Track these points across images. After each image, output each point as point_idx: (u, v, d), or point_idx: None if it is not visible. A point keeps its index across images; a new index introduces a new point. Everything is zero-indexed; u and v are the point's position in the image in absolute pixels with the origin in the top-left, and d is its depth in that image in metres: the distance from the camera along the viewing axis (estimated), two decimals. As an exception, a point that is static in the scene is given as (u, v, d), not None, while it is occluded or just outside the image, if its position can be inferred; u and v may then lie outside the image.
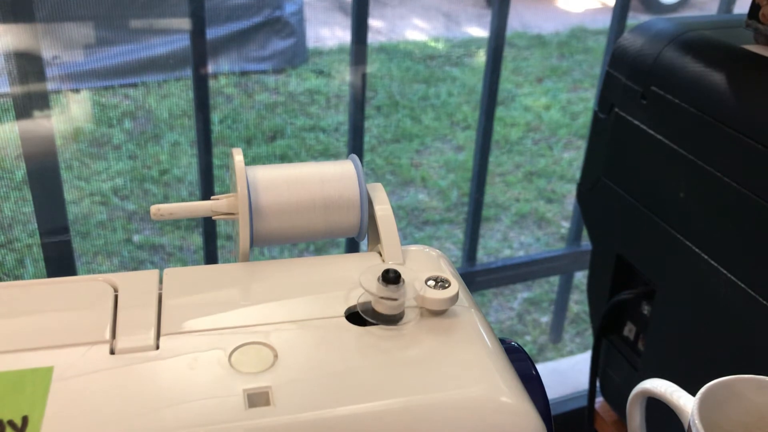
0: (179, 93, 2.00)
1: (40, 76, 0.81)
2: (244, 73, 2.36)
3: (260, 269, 0.44)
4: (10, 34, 0.78)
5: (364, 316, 0.40)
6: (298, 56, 2.56)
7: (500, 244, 2.10)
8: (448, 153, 2.50)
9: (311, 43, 2.79)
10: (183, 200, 0.61)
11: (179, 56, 1.73)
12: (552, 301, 1.83)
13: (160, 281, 0.42)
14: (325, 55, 2.82)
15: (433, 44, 3.23)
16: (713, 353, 0.66)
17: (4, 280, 0.85)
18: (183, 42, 1.23)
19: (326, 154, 2.31)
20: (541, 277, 1.68)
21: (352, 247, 1.16)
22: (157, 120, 2.12)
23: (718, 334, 0.65)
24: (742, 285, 0.60)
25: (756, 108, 0.59)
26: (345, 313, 0.40)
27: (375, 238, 0.46)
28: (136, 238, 1.87)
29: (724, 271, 0.62)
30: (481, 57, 3.07)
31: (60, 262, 0.90)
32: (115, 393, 0.34)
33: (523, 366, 0.41)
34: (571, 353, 1.72)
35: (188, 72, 0.96)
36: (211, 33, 1.48)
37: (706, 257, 0.64)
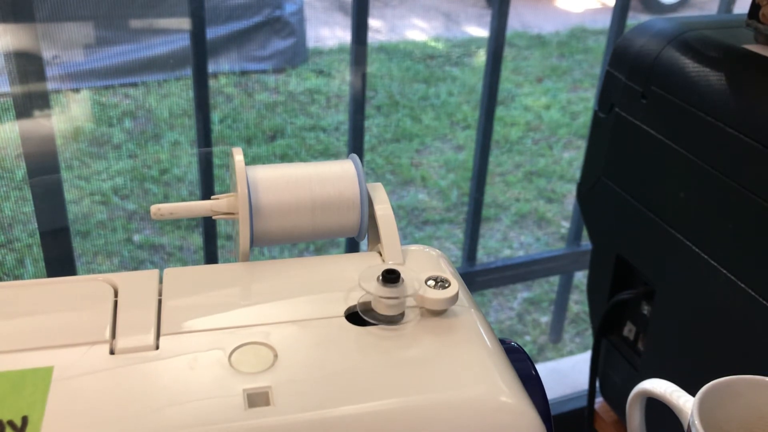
0: (179, 93, 2.00)
1: (40, 76, 0.81)
2: (244, 73, 2.36)
3: (260, 269, 0.44)
4: (10, 34, 0.78)
5: (364, 317, 0.40)
6: (298, 56, 2.56)
7: (500, 244, 2.10)
8: (448, 153, 2.50)
9: (311, 42, 2.78)
10: (183, 200, 0.61)
11: (179, 56, 1.73)
12: (552, 301, 1.83)
13: (160, 281, 0.42)
14: (325, 55, 2.82)
15: (433, 44, 3.23)
16: (713, 353, 0.66)
17: (4, 280, 0.85)
18: (183, 42, 1.23)
19: (326, 153, 2.31)
20: (541, 277, 1.68)
21: (352, 247, 1.16)
22: (157, 119, 2.12)
23: (718, 334, 0.65)
24: (742, 285, 0.60)
25: (756, 108, 0.59)
26: (345, 313, 0.40)
27: (375, 238, 0.46)
28: (136, 237, 1.87)
29: (724, 271, 0.62)
30: (481, 57, 3.07)
31: (60, 262, 0.90)
32: (115, 393, 0.34)
33: (523, 366, 0.41)
34: (571, 353, 1.72)
35: (188, 72, 0.96)
36: (211, 33, 1.48)
37: (706, 257, 0.64)
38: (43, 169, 0.85)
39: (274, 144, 2.30)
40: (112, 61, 1.90)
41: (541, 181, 2.40)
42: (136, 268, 1.69)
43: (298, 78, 2.58)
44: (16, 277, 1.29)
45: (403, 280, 0.39)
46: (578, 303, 1.86)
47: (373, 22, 3.22)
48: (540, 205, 2.28)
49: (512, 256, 2.05)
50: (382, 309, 0.39)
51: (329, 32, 3.03)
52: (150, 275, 0.42)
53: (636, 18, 3.19)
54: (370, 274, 0.40)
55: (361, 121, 1.06)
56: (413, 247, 0.46)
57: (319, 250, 1.91)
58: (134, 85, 2.09)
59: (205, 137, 0.97)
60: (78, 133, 1.93)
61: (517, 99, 2.84)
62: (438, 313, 0.40)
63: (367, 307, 0.40)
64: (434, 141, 2.55)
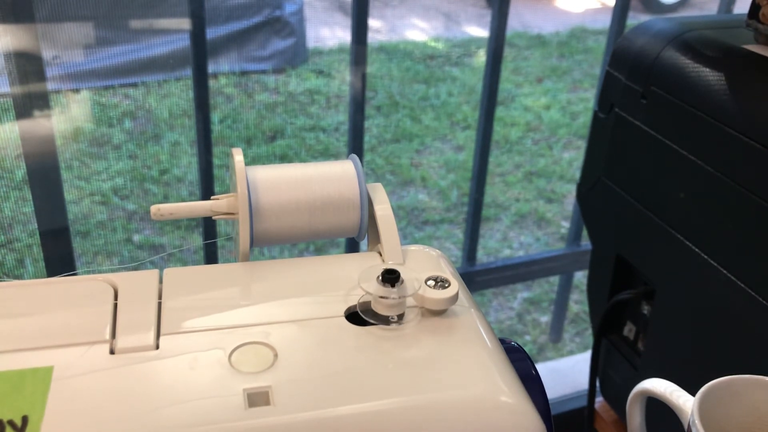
0: (179, 93, 2.00)
1: (40, 76, 0.81)
2: (244, 73, 2.36)
3: (260, 269, 0.44)
4: (10, 34, 0.78)
5: (364, 317, 0.40)
6: (298, 56, 2.55)
7: (500, 244, 2.10)
8: (448, 153, 2.50)
9: (311, 43, 2.78)
10: (183, 200, 0.61)
11: (179, 56, 1.73)
12: (552, 301, 1.83)
13: (160, 281, 0.42)
14: (325, 55, 2.82)
15: (433, 44, 3.23)
16: (713, 353, 0.66)
17: (4, 280, 0.85)
18: (183, 42, 1.23)
19: (326, 154, 2.31)
20: (541, 277, 1.68)
21: (352, 247, 1.16)
22: (157, 120, 2.12)
23: (718, 334, 0.65)
24: (742, 285, 0.60)
25: (756, 108, 0.59)
26: (345, 313, 0.40)
27: (375, 238, 0.46)
28: (136, 238, 1.87)
29: (724, 271, 0.62)
30: (481, 57, 3.07)
31: (60, 262, 0.90)
32: (115, 393, 0.34)
33: (523, 366, 0.41)
34: (571, 353, 1.72)
35: (188, 72, 0.96)
36: (211, 33, 1.48)
37: (706, 257, 0.64)
38: (43, 169, 0.85)
39: (274, 144, 2.30)
40: (112, 62, 1.90)
41: (541, 181, 2.40)
42: (136, 268, 1.68)
43: (298, 78, 2.58)
44: (16, 277, 1.29)
45: (403, 280, 0.39)
46: (578, 303, 1.86)
47: (373, 22, 3.22)
48: (540, 205, 2.28)
49: (512, 256, 2.05)
50: (382, 309, 0.39)
51: (329, 32, 3.03)
52: (150, 275, 0.42)
53: (636, 18, 3.19)
54: (370, 274, 0.40)
55: (361, 122, 1.06)
56: (413, 247, 0.46)
57: (319, 250, 1.91)
58: (134, 85, 2.09)
59: (205, 137, 0.97)
60: (78, 134, 1.93)
61: (517, 99, 2.84)
62: (438, 313, 0.40)
63: (367, 307, 0.40)
64: (434, 141, 2.55)
